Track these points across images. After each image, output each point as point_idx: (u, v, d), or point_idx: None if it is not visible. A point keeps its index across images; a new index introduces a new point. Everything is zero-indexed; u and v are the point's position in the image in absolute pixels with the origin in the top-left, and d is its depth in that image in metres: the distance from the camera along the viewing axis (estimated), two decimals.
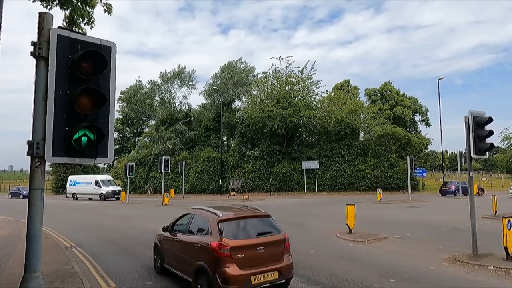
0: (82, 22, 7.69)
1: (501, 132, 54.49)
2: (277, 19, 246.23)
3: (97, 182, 37.82)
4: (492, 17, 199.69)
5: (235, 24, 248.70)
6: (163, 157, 29.43)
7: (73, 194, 39.31)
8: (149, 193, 43.32)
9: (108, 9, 7.93)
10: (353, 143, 39.78)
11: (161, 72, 52.15)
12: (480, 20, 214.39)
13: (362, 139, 42.72)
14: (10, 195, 45.21)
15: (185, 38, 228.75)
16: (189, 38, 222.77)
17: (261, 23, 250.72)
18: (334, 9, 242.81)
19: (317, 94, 42.24)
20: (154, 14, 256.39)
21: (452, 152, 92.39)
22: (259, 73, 47.26)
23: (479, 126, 9.19)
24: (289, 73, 40.93)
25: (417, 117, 66.02)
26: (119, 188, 37.69)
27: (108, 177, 41.85)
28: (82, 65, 3.44)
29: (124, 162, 40.39)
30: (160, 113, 50.09)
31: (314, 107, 41.93)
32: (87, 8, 7.73)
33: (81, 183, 39.13)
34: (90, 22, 7.83)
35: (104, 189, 36.82)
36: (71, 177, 41.38)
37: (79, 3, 7.59)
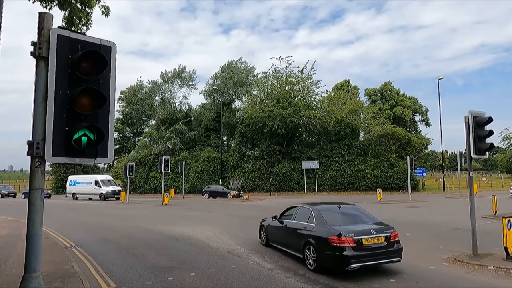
0: (80, 23, 7.69)
1: (501, 132, 54.55)
2: (278, 19, 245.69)
3: (97, 182, 37.79)
4: (493, 17, 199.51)
5: (237, 24, 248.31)
6: (163, 157, 29.42)
7: (73, 194, 39.27)
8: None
9: (106, 11, 7.92)
10: (353, 143, 39.80)
11: (161, 72, 52.34)
12: (481, 20, 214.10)
13: (362, 139, 42.75)
14: (23, 196, 44.72)
15: (187, 38, 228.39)
16: (190, 38, 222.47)
17: (262, 23, 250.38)
18: (336, 9, 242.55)
19: (317, 94, 42.38)
20: (156, 14, 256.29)
21: (452, 152, 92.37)
22: (259, 73, 47.41)
23: (479, 126, 9.19)
24: (289, 73, 41.00)
25: (417, 117, 66.17)
26: (119, 188, 37.70)
27: (108, 177, 41.82)
28: (82, 65, 3.44)
29: (124, 162, 40.39)
30: (160, 113, 50.12)
31: (314, 107, 41.97)
32: (86, 9, 7.73)
33: (81, 183, 39.10)
34: (87, 24, 7.83)
35: (104, 189, 36.80)
36: (71, 177, 41.32)
37: (78, 4, 7.60)
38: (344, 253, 7.24)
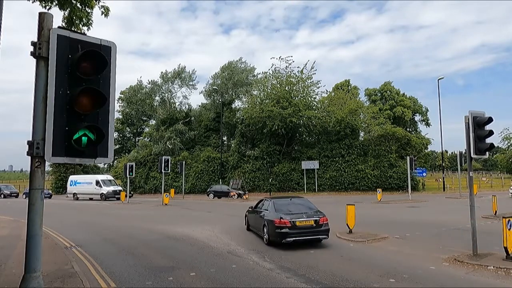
0: (80, 23, 7.67)
1: (501, 132, 54.50)
2: (279, 19, 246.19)
3: (97, 182, 37.77)
4: (494, 17, 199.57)
5: (237, 24, 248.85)
6: (163, 157, 29.40)
7: (74, 194, 39.23)
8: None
9: (105, 12, 7.92)
10: (353, 143, 39.78)
11: (161, 72, 52.24)
12: (482, 20, 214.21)
13: (362, 139, 42.72)
14: (24, 196, 44.61)
15: (187, 38, 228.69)
16: (191, 38, 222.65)
17: (263, 23, 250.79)
18: (336, 9, 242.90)
19: (317, 94, 42.29)
20: (157, 14, 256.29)
21: (452, 152, 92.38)
22: (259, 73, 47.38)
23: (479, 126, 9.18)
24: (289, 73, 40.97)
25: (417, 117, 66.16)
26: (120, 188, 37.64)
27: (109, 177, 41.79)
28: (82, 65, 3.44)
29: (124, 162, 40.41)
30: (160, 113, 50.11)
31: (314, 107, 41.93)
32: (86, 9, 7.72)
33: (82, 183, 39.05)
34: (88, 24, 7.81)
35: (105, 189, 36.77)
36: (72, 177, 41.28)
37: (78, 4, 7.58)
38: (283, 230, 10.29)
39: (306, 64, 41.70)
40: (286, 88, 40.42)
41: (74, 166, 50.05)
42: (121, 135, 67.69)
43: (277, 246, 10.52)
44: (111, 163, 50.91)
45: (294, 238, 10.28)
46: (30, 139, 3.23)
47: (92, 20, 7.89)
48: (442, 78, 43.37)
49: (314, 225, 10.47)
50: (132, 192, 41.94)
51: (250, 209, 13.65)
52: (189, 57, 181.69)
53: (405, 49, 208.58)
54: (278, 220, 10.38)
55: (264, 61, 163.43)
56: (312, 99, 41.86)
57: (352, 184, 38.03)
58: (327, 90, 47.80)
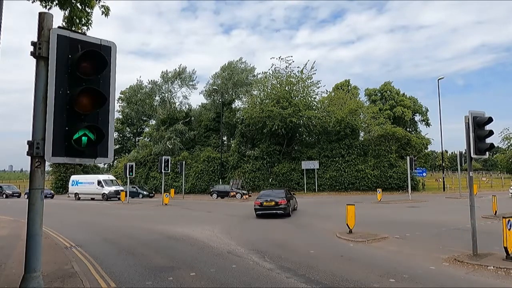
0: (80, 23, 7.68)
1: (501, 132, 54.45)
2: (279, 19, 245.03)
3: (99, 182, 37.71)
4: (494, 17, 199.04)
5: (237, 24, 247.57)
6: (163, 157, 29.42)
7: (75, 194, 39.15)
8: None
9: (106, 11, 7.92)
10: (353, 143, 39.78)
11: (162, 72, 52.27)
12: (482, 20, 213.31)
13: (362, 139, 42.72)
14: (26, 196, 44.48)
15: (187, 38, 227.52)
16: (191, 38, 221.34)
17: (263, 23, 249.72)
18: (337, 9, 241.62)
19: (317, 94, 42.28)
20: (157, 14, 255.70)
21: (452, 152, 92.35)
22: (259, 73, 47.38)
23: (479, 126, 9.17)
24: (289, 73, 40.95)
25: (417, 117, 66.18)
26: (122, 188, 37.50)
27: (111, 177, 41.72)
28: (82, 65, 3.44)
29: (124, 162, 40.39)
30: (160, 113, 50.12)
31: (314, 107, 41.92)
32: (86, 9, 7.72)
33: (84, 183, 38.98)
34: (88, 24, 7.82)
35: (107, 189, 36.72)
36: (73, 177, 41.19)
37: (78, 4, 7.59)
38: (256, 207, 17.77)
39: (306, 64, 41.73)
40: (286, 88, 40.40)
41: (74, 166, 49.98)
42: (121, 135, 67.66)
43: (276, 243, 10.50)
44: (111, 163, 50.88)
45: (261, 212, 17.48)
46: (30, 139, 3.23)
47: (92, 20, 7.90)
48: (442, 78, 43.45)
49: (274, 204, 17.30)
50: (153, 192, 41.42)
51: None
52: (189, 57, 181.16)
53: (405, 49, 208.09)
54: (255, 202, 17.99)
55: (264, 61, 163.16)
56: (312, 99, 41.86)
57: (352, 184, 38.03)
58: (327, 90, 47.86)
